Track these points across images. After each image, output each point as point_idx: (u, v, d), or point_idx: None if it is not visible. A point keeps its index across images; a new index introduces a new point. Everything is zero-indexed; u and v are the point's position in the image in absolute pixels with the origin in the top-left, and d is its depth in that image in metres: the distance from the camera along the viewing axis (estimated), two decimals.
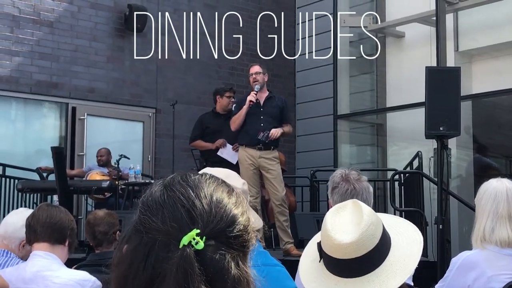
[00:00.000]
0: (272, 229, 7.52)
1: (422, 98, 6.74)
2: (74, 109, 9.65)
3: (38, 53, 9.30)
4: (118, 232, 4.03)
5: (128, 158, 8.59)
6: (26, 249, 3.35)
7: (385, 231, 1.75)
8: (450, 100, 6.34)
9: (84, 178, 8.56)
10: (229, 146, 7.68)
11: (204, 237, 1.07)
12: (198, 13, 10.80)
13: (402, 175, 8.33)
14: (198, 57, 10.69)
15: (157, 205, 1.12)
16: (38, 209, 3.20)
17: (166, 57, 10.40)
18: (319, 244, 1.75)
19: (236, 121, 7.15)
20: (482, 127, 9.56)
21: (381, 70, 10.56)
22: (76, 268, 3.64)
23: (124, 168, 8.54)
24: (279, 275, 2.26)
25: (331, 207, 1.95)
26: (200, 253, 1.06)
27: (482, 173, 8.75)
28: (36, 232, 3.09)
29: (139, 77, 10.18)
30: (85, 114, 9.66)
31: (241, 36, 11.17)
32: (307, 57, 11.26)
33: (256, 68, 7.24)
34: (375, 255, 1.69)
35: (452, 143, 8.24)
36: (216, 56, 10.62)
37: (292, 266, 2.79)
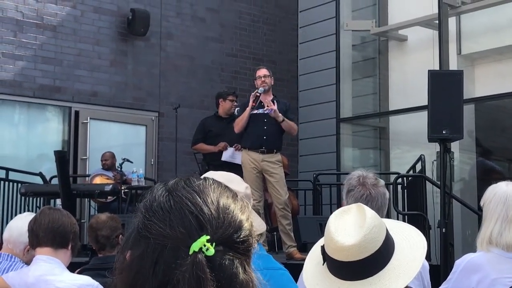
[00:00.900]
0: (275, 233, 7.52)
1: (424, 102, 6.74)
2: (77, 113, 9.66)
3: (41, 57, 9.31)
4: (120, 236, 4.03)
5: (131, 162, 8.60)
6: (31, 254, 3.35)
7: (388, 235, 1.75)
8: (453, 104, 6.34)
9: (87, 182, 8.59)
10: (230, 149, 7.69)
11: (214, 243, 1.07)
12: (201, 17, 10.84)
13: (405, 178, 8.32)
14: (201, 61, 10.72)
15: (163, 211, 1.11)
16: (40, 213, 3.19)
17: (169, 61, 10.43)
18: (322, 247, 1.75)
19: (239, 123, 7.15)
20: (485, 131, 9.55)
21: (384, 74, 10.56)
22: (79, 272, 3.64)
23: (128, 173, 8.55)
24: (282, 278, 2.25)
25: None
26: (211, 259, 1.06)
27: (485, 177, 8.74)
28: (39, 237, 3.08)
29: (142, 81, 10.20)
30: (88, 118, 9.67)
31: (244, 40, 11.20)
32: (309, 61, 11.28)
33: (264, 71, 7.27)
34: (378, 258, 1.69)
35: (455, 146, 8.23)
36: (219, 60, 10.66)
37: (295, 269, 2.79)
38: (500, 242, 2.85)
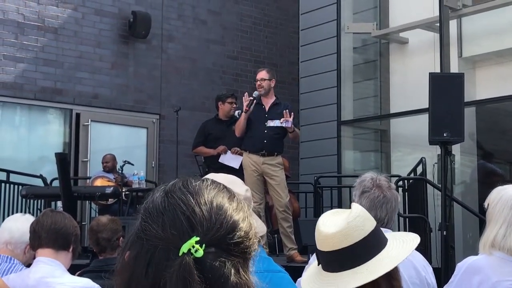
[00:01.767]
0: (275, 235, 7.52)
1: (425, 104, 6.73)
2: (78, 115, 9.67)
3: (42, 59, 9.32)
4: (121, 238, 4.03)
5: (132, 164, 8.60)
6: (30, 253, 3.35)
7: (379, 230, 1.78)
8: (454, 106, 6.34)
9: (88, 184, 8.59)
10: (228, 153, 7.69)
11: (204, 245, 1.07)
12: (203, 20, 10.85)
13: (406, 181, 8.31)
14: (202, 63, 10.72)
15: (157, 212, 1.12)
16: (42, 215, 3.20)
17: (170, 63, 10.44)
18: (316, 248, 1.78)
19: (237, 128, 7.18)
20: (486, 133, 9.54)
21: (385, 76, 10.55)
22: (79, 274, 3.64)
23: (129, 175, 8.56)
24: (282, 281, 2.25)
25: None
26: (200, 260, 1.06)
27: (486, 180, 8.73)
28: (41, 238, 3.09)
29: (143, 83, 10.20)
30: (89, 120, 9.68)
31: (245, 42, 11.21)
32: (311, 63, 11.28)
33: (262, 74, 7.26)
34: (364, 248, 1.71)
35: (456, 149, 8.22)
36: (220, 62, 10.67)
37: (296, 272, 2.79)
38: (504, 246, 2.84)
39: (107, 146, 9.69)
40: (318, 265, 1.79)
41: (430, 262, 6.81)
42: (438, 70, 8.52)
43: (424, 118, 6.97)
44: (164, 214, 1.11)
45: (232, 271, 1.08)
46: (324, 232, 1.73)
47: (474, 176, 9.26)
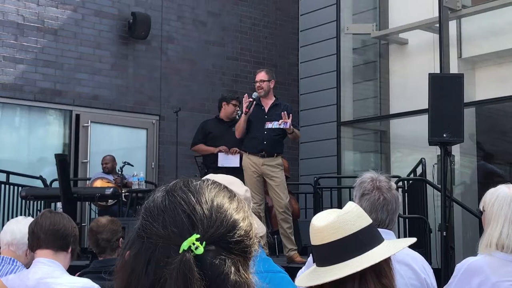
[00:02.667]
0: (275, 236, 7.52)
1: (425, 105, 6.74)
2: (78, 116, 9.67)
3: (42, 60, 9.32)
4: (121, 239, 4.04)
5: (132, 165, 8.60)
6: (31, 255, 3.36)
7: (375, 230, 1.80)
8: (454, 107, 6.34)
9: (88, 185, 8.59)
10: (230, 155, 7.69)
11: (204, 242, 1.07)
12: (202, 21, 10.85)
13: (405, 182, 8.31)
14: (201, 65, 10.73)
15: (158, 211, 1.13)
16: (41, 216, 3.20)
17: (170, 65, 10.44)
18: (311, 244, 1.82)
19: (238, 129, 7.18)
20: (486, 134, 9.55)
21: (385, 77, 10.56)
22: (79, 275, 3.65)
23: (129, 176, 8.56)
24: (282, 281, 2.25)
25: None
26: (200, 258, 1.07)
27: (486, 180, 8.74)
28: (40, 239, 3.09)
29: (142, 85, 10.20)
30: (89, 121, 9.68)
31: (245, 44, 11.21)
32: (310, 64, 11.29)
33: (261, 76, 7.25)
34: (354, 242, 1.73)
35: (455, 150, 8.23)
36: (219, 63, 10.67)
37: (295, 273, 2.79)
38: (509, 245, 2.83)
39: (107, 147, 9.69)
40: (314, 262, 1.82)
41: (430, 263, 6.82)
42: (437, 71, 8.52)
43: (424, 118, 6.97)
44: (164, 212, 1.12)
45: (232, 269, 1.09)
46: (316, 226, 1.77)
47: (474, 177, 9.26)
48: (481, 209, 3.03)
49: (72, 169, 9.37)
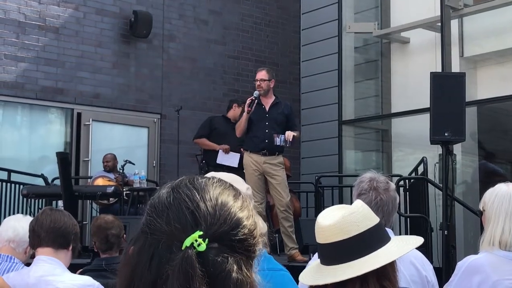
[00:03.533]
0: (276, 235, 7.52)
1: (427, 104, 6.74)
2: (79, 114, 9.67)
3: (43, 59, 9.32)
4: (124, 236, 4.09)
5: (133, 164, 8.60)
6: (29, 253, 3.37)
7: (381, 230, 1.78)
8: (455, 106, 6.34)
9: (89, 183, 8.59)
10: (231, 154, 7.70)
11: (207, 239, 1.07)
12: (204, 19, 10.85)
13: (407, 181, 8.31)
14: (203, 63, 10.72)
15: (162, 207, 1.13)
16: (41, 213, 3.19)
17: (171, 63, 10.44)
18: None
19: (238, 128, 7.18)
20: (488, 133, 9.54)
21: (386, 76, 10.55)
22: (80, 273, 3.65)
23: (130, 175, 8.56)
24: (283, 279, 2.26)
25: None
26: (202, 255, 1.07)
27: (487, 179, 8.73)
28: (40, 237, 3.09)
29: (144, 83, 10.20)
30: (90, 119, 9.68)
31: (246, 42, 11.21)
32: (312, 63, 11.28)
33: (261, 75, 7.24)
34: (358, 243, 1.71)
35: (457, 149, 8.22)
36: (221, 62, 10.67)
37: (296, 271, 2.78)
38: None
39: (108, 145, 9.69)
40: (318, 257, 1.81)
41: (432, 262, 6.80)
42: (439, 69, 8.52)
43: (425, 117, 6.97)
44: (169, 209, 1.12)
45: (235, 267, 1.09)
46: (321, 224, 1.76)
47: (476, 176, 9.26)
48: (481, 209, 3.03)
49: (74, 167, 9.37)
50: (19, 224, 3.57)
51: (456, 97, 6.37)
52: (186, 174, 1.21)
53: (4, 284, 3.01)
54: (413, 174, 8.41)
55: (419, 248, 2.00)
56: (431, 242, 7.32)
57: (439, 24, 8.88)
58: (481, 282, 2.82)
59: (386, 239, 1.77)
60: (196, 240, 1.07)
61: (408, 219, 7.77)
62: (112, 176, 8.72)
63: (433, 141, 6.60)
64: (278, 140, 6.97)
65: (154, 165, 10.20)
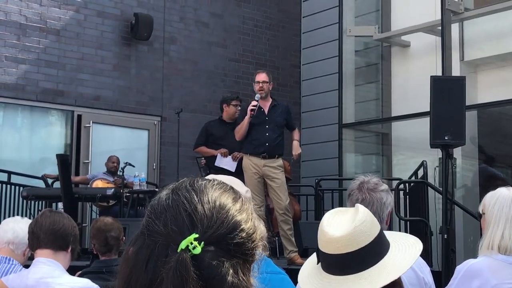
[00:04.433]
0: (276, 238, 7.51)
1: (427, 108, 6.74)
2: (79, 116, 9.68)
3: (44, 61, 9.33)
4: (123, 238, 4.10)
5: (133, 166, 8.60)
6: (28, 255, 3.37)
7: (383, 234, 1.75)
8: (455, 110, 6.34)
9: (88, 186, 8.58)
10: (229, 158, 7.69)
11: (203, 242, 1.07)
12: (205, 22, 10.86)
13: (407, 184, 8.31)
14: (204, 66, 10.73)
15: (161, 209, 1.13)
16: (41, 215, 3.19)
17: (172, 66, 10.45)
18: (317, 247, 1.76)
19: (239, 131, 7.15)
20: (488, 137, 9.54)
21: (386, 79, 10.56)
22: (80, 275, 3.65)
23: (129, 176, 8.55)
24: (282, 282, 2.25)
25: None
26: (198, 258, 1.06)
27: (487, 183, 8.72)
28: (39, 239, 3.08)
29: (144, 85, 10.21)
30: (91, 122, 9.68)
31: (247, 45, 11.21)
32: (312, 66, 11.28)
33: (262, 77, 7.23)
34: (369, 253, 1.68)
35: (457, 152, 8.22)
36: (222, 65, 10.67)
37: (296, 275, 2.78)
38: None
39: (109, 148, 9.69)
40: (318, 263, 1.77)
41: (431, 266, 6.81)
42: (439, 73, 8.52)
43: (426, 121, 6.97)
44: (167, 211, 1.12)
45: (230, 271, 1.08)
46: (329, 235, 1.70)
47: (475, 180, 9.25)
48: (481, 212, 3.02)
49: (74, 169, 9.37)
50: (18, 226, 3.57)
51: (456, 101, 6.37)
52: (186, 177, 1.21)
53: (3, 286, 3.00)
54: (413, 178, 8.41)
55: None
56: (431, 246, 7.31)
57: (440, 28, 8.89)
58: (480, 286, 2.82)
59: (388, 243, 1.76)
60: (192, 243, 1.06)
61: (408, 222, 7.76)
62: (111, 179, 8.70)
63: (433, 145, 6.59)
64: (292, 160, 7.19)
65: (154, 167, 10.20)
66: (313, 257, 1.82)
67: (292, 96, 11.28)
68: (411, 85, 9.93)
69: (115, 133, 10.11)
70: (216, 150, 7.79)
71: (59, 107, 9.59)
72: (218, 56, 10.94)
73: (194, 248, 1.06)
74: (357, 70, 10.74)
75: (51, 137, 9.69)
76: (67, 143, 9.73)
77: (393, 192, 7.76)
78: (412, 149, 9.86)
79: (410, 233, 7.73)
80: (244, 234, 1.12)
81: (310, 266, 1.82)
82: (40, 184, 8.61)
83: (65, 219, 3.16)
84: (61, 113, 9.72)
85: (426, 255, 6.77)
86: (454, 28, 9.06)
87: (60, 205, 7.67)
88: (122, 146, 10.02)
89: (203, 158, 8.22)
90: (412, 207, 8.05)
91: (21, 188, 8.16)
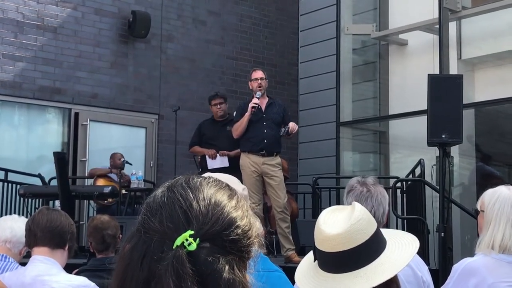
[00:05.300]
0: (273, 236, 7.51)
1: (424, 106, 6.74)
2: (77, 114, 9.66)
3: (41, 58, 9.32)
4: (120, 236, 4.10)
5: (131, 164, 8.59)
6: (23, 254, 3.37)
7: (379, 232, 1.75)
8: (453, 108, 6.34)
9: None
10: (218, 157, 7.74)
11: (198, 239, 1.07)
12: (202, 20, 10.85)
13: (404, 182, 8.31)
14: (201, 64, 10.72)
15: (157, 206, 1.13)
16: (38, 213, 3.19)
17: (170, 63, 10.44)
18: (314, 245, 1.76)
19: (238, 129, 7.15)
20: (485, 136, 9.54)
21: (384, 78, 10.55)
22: (77, 273, 3.65)
23: (126, 175, 8.55)
24: (279, 280, 2.26)
25: None
26: (194, 254, 1.07)
27: (484, 182, 8.73)
28: (36, 237, 3.08)
29: (142, 83, 10.20)
30: (88, 119, 9.68)
31: (244, 43, 11.21)
32: (310, 64, 11.28)
33: (260, 74, 7.26)
34: (365, 251, 1.68)
35: (454, 151, 8.22)
36: (219, 63, 10.66)
37: (293, 273, 2.78)
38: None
39: (106, 145, 9.69)
40: (314, 261, 1.77)
41: (428, 264, 6.81)
42: (437, 72, 8.52)
43: (423, 119, 6.97)
44: (162, 208, 1.12)
45: (226, 267, 1.08)
46: (326, 232, 1.70)
47: (473, 178, 9.26)
48: (479, 209, 3.02)
49: (71, 167, 9.37)
50: (16, 225, 3.57)
51: (453, 99, 6.38)
52: (183, 174, 1.21)
53: (1, 284, 3.00)
54: (410, 176, 8.41)
55: None
56: (428, 244, 7.32)
57: (437, 26, 8.89)
58: (477, 284, 2.82)
59: (384, 241, 1.76)
60: (187, 240, 1.06)
61: (405, 220, 7.76)
62: (114, 176, 8.65)
63: (430, 143, 6.60)
64: (283, 130, 7.01)
65: (151, 165, 10.19)
66: (310, 255, 1.82)
67: (289, 94, 11.28)
68: (408, 83, 9.92)
69: (113, 131, 10.10)
70: (208, 149, 7.84)
71: (56, 105, 9.58)
72: (215, 54, 10.93)
73: (189, 244, 1.06)
74: (354, 68, 10.73)
75: (48, 135, 9.68)
76: (64, 141, 9.71)
77: (391, 190, 7.78)
78: (410, 147, 9.87)
79: (407, 231, 7.73)
80: (239, 231, 1.12)
81: (307, 264, 1.82)
82: (37, 182, 8.60)
83: (62, 216, 3.16)
84: (58, 110, 9.71)
85: (423, 253, 6.78)
86: (452, 26, 9.06)
87: (57, 203, 7.66)
88: (119, 144, 10.01)
89: (199, 157, 8.24)
90: (409, 205, 8.06)
91: (18, 186, 8.14)
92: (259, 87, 7.13)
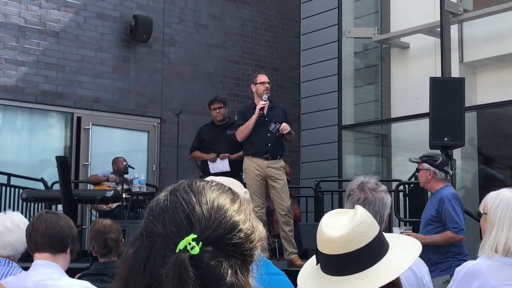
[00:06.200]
0: (276, 240, 7.51)
1: (426, 109, 6.75)
2: (79, 118, 9.67)
3: (43, 63, 9.33)
4: (122, 240, 4.10)
5: (133, 168, 8.60)
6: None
7: (382, 235, 1.75)
8: (455, 111, 6.35)
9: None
10: (218, 160, 7.75)
11: (201, 243, 1.07)
12: (204, 24, 10.86)
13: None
14: (203, 68, 10.73)
15: (159, 210, 1.13)
16: (37, 218, 3.14)
17: (171, 68, 10.45)
18: (316, 248, 1.76)
19: (244, 132, 7.14)
20: (487, 138, 9.54)
21: (386, 81, 10.56)
22: (79, 277, 3.65)
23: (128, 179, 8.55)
24: (282, 284, 2.26)
25: None
26: (196, 258, 1.07)
27: (487, 184, 8.73)
28: (37, 243, 3.05)
29: (144, 87, 10.21)
30: (90, 124, 9.68)
31: (246, 47, 11.22)
32: (312, 68, 11.29)
33: (266, 78, 7.30)
34: (367, 254, 1.68)
35: (456, 154, 8.22)
36: (221, 67, 10.67)
37: (296, 276, 2.78)
38: None
39: (108, 149, 9.69)
40: (317, 264, 1.77)
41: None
42: (439, 75, 8.52)
43: (425, 122, 6.98)
44: (165, 212, 1.12)
45: (229, 271, 1.08)
46: (327, 235, 1.70)
47: (475, 181, 9.25)
48: (481, 211, 3.02)
49: (73, 171, 9.37)
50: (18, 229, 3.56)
51: (455, 102, 6.38)
52: (186, 178, 1.21)
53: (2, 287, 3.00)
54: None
55: None
56: None
57: (439, 29, 8.89)
58: (479, 287, 2.82)
59: (387, 244, 1.76)
60: (190, 244, 1.06)
61: (407, 223, 7.75)
62: (113, 184, 8.64)
63: (432, 146, 6.60)
64: (273, 126, 7.01)
65: (153, 169, 10.20)
66: (313, 258, 1.82)
67: (291, 98, 11.28)
68: (410, 86, 9.93)
69: (115, 135, 10.11)
70: (207, 154, 7.86)
71: (58, 109, 9.59)
72: (217, 58, 10.94)
73: (192, 248, 1.06)
74: (356, 71, 10.74)
75: (51, 139, 9.69)
76: (66, 145, 9.72)
77: (393, 193, 7.78)
78: (412, 150, 9.85)
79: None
80: (242, 235, 1.12)
81: (309, 267, 1.82)
82: (40, 186, 8.61)
83: (61, 220, 3.13)
84: (61, 115, 9.72)
85: None
86: (453, 29, 9.07)
87: (60, 207, 7.67)
88: (121, 148, 10.01)
89: (200, 162, 8.26)
90: (411, 208, 8.05)
91: (21, 190, 8.15)
92: (266, 90, 7.16)
